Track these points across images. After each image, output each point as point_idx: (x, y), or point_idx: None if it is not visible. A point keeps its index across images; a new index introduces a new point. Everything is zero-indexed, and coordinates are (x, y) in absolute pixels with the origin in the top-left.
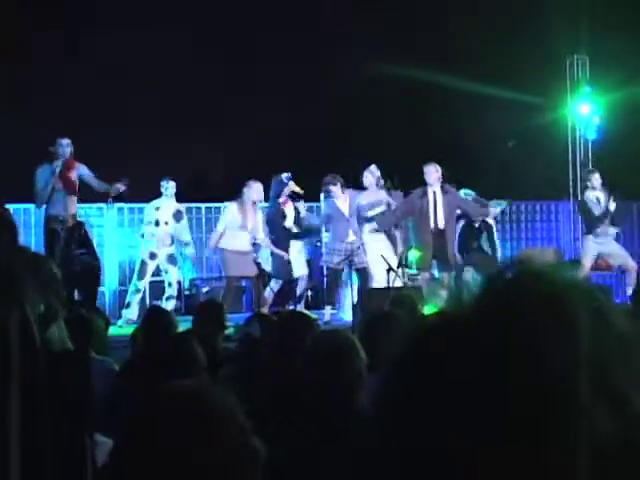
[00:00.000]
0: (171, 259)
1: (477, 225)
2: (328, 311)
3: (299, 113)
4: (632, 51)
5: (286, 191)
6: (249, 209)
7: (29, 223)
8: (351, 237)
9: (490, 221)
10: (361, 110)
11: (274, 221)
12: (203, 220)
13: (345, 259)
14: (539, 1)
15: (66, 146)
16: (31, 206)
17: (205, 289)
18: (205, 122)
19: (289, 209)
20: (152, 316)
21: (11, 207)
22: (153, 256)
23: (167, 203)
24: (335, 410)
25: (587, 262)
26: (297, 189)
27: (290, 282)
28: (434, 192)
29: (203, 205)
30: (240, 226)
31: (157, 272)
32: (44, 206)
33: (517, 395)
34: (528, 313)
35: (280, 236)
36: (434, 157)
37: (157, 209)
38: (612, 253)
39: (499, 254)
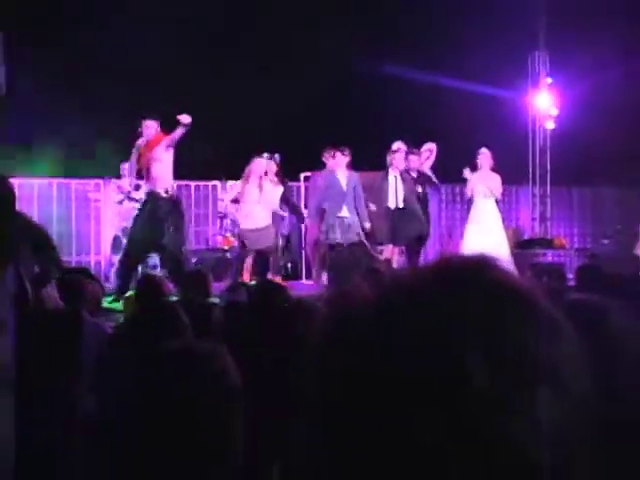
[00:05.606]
0: None
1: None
2: (306, 283)
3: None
4: (589, 46)
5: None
6: (260, 183)
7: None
8: (344, 212)
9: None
10: (333, 102)
11: None
12: (192, 197)
13: (345, 233)
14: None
15: (150, 127)
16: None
17: (194, 260)
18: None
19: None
20: (145, 283)
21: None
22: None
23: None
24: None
25: None
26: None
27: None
28: (395, 177)
29: (192, 183)
30: (256, 201)
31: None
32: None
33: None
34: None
35: None
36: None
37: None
38: None
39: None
